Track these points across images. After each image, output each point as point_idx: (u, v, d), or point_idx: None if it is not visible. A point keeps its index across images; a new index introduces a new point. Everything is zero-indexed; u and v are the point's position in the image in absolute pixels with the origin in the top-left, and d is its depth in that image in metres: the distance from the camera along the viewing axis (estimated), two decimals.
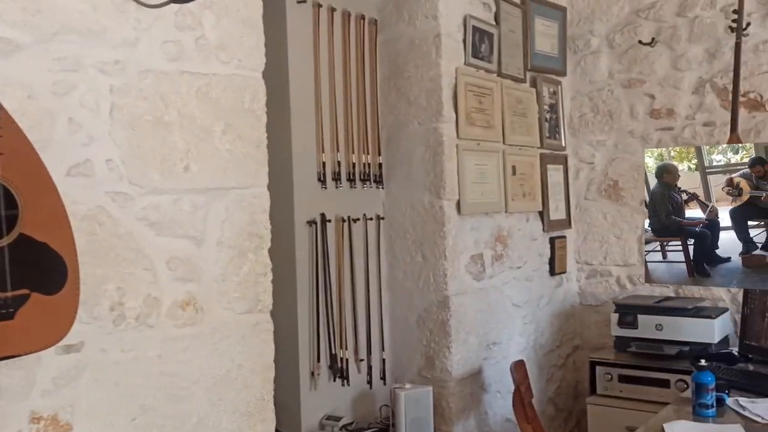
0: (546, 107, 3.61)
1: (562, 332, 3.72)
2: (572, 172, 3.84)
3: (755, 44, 3.31)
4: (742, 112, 3.35)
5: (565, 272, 3.74)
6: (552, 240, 3.64)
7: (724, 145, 3.07)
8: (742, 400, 2.46)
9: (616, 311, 3.34)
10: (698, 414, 2.34)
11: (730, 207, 2.88)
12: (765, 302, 2.81)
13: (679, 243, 2.99)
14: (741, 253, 2.78)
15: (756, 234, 2.81)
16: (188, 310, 1.88)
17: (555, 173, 3.68)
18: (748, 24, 3.22)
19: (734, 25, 3.22)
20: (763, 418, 2.27)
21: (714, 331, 3.09)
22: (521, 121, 3.39)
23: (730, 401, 2.45)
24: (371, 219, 2.98)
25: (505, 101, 3.27)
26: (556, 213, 3.67)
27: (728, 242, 2.86)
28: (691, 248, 2.94)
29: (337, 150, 2.82)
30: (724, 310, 3.26)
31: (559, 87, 3.73)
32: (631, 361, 3.24)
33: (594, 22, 3.76)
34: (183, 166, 1.88)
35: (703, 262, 2.89)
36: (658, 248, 3.10)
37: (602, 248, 3.79)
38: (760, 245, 2.76)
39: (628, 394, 3.21)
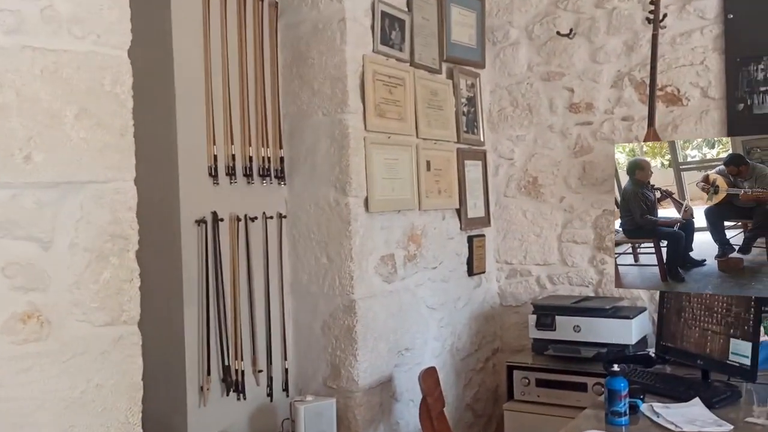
0: (463, 100, 3.46)
1: (481, 335, 3.58)
2: (491, 168, 3.70)
3: (672, 37, 3.24)
4: (660, 106, 3.28)
5: (484, 272, 3.60)
6: (470, 239, 3.49)
7: (699, 140, 2.94)
8: (657, 406, 2.35)
9: (533, 313, 3.22)
10: (610, 423, 2.22)
11: (706, 206, 2.72)
12: (681, 302, 2.71)
13: (652, 245, 2.83)
14: (717, 256, 2.64)
15: (733, 235, 2.65)
16: (31, 323, 1.61)
17: (473, 169, 3.53)
18: (665, 15, 3.14)
19: (651, 16, 3.14)
20: (676, 426, 2.16)
21: (631, 331, 3.00)
22: (437, 114, 3.23)
23: (644, 407, 2.34)
24: (271, 218, 2.75)
25: (418, 93, 3.09)
26: (475, 210, 3.52)
27: (703, 244, 2.71)
28: (664, 251, 2.79)
29: (231, 142, 2.58)
30: (642, 309, 3.18)
31: (478, 79, 3.58)
32: (548, 364, 3.11)
33: (513, 13, 3.63)
34: (23, 156, 1.60)
35: (677, 265, 2.73)
36: (630, 251, 2.94)
37: (522, 247, 3.66)
38: (737, 248, 2.61)
39: (546, 398, 3.08)
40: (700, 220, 2.73)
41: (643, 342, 3.11)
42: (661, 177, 2.86)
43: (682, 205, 2.78)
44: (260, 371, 2.69)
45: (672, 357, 2.77)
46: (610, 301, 3.22)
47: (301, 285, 2.83)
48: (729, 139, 2.89)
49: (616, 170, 2.99)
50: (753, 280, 2.54)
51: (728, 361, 2.47)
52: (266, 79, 2.75)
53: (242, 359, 2.58)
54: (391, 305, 2.90)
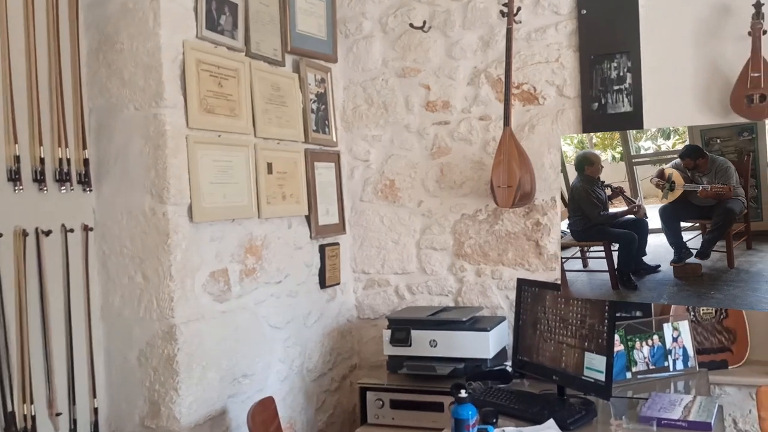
0: (312, 96, 3.15)
1: (336, 352, 3.29)
2: (346, 170, 3.43)
3: (528, 32, 3.09)
4: (517, 105, 3.12)
5: (338, 283, 3.31)
6: (322, 248, 3.19)
7: (654, 130, 2.63)
8: (509, 431, 2.14)
9: (388, 327, 2.96)
10: None
11: (660, 204, 2.45)
12: (536, 312, 2.54)
13: (602, 249, 2.54)
14: (673, 262, 2.35)
15: (690, 238, 2.38)
16: None
17: (325, 172, 3.24)
18: (519, 9, 2.98)
19: (505, 9, 2.97)
20: None
21: (488, 345, 2.80)
22: (280, 111, 2.90)
23: None
24: (72, 230, 2.32)
25: (256, 86, 2.76)
26: (327, 217, 3.23)
27: (658, 248, 2.43)
28: (615, 255, 2.50)
29: (15, 141, 2.14)
30: (502, 319, 3.00)
31: (329, 74, 3.29)
32: (403, 383, 2.87)
33: (366, 3, 3.37)
34: None
35: (630, 272, 2.44)
36: (579, 255, 2.65)
37: (380, 255, 3.41)
38: (694, 252, 2.34)
39: (401, 421, 2.84)
40: (654, 220, 2.47)
41: (502, 354, 2.93)
42: (612, 172, 2.59)
43: (634, 203, 2.52)
44: (59, 414, 2.25)
45: (528, 372, 2.59)
46: (469, 311, 3.02)
47: (112, 309, 2.42)
48: (686, 128, 2.56)
49: (563, 165, 2.70)
50: (713, 289, 2.28)
51: (583, 377, 2.31)
52: (65, 67, 2.32)
53: (32, 402, 2.14)
54: (224, 327, 2.55)
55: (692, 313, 2.81)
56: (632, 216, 2.48)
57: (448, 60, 3.24)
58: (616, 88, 2.95)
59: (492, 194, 2.99)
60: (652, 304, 2.78)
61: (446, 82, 3.25)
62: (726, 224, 2.29)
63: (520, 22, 3.07)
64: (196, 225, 2.43)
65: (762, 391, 2.26)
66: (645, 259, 2.43)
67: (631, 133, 2.61)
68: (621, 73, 2.94)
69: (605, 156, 2.65)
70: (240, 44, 2.69)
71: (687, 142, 2.45)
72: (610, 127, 2.92)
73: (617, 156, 2.63)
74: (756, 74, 2.73)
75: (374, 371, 3.16)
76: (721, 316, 2.84)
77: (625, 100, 2.93)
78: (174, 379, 2.32)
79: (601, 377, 2.23)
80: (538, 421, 2.20)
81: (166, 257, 2.32)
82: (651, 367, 2.68)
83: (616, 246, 2.48)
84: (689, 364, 2.71)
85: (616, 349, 2.62)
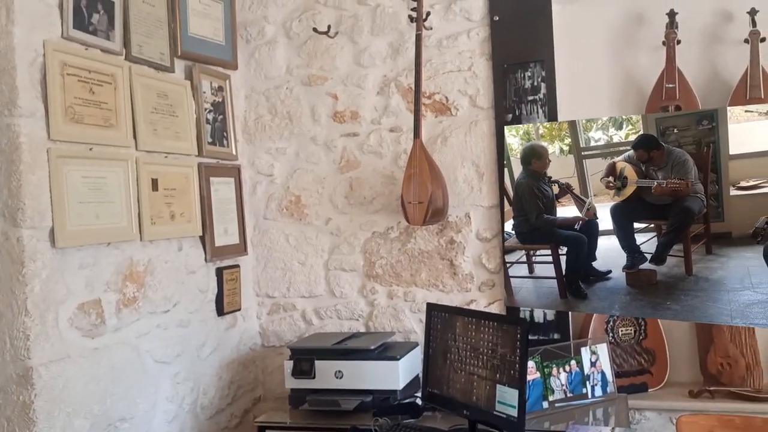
0: (208, 106, 2.88)
1: (237, 385, 3.01)
2: (248, 186, 3.17)
3: (439, 39, 2.91)
4: (429, 116, 2.94)
5: (239, 309, 3.04)
6: (219, 271, 2.92)
7: (605, 119, 2.38)
8: None
9: (290, 357, 2.71)
10: None
11: (612, 203, 2.23)
12: (446, 340, 2.34)
13: (549, 253, 2.35)
14: (625, 267, 2.16)
15: (644, 240, 2.16)
16: None
17: (223, 188, 2.97)
18: (428, 14, 2.80)
19: (414, 14, 2.79)
20: None
21: (398, 374, 2.59)
22: (168, 122, 2.62)
23: None
24: None
25: (138, 94, 2.47)
26: (226, 237, 2.96)
27: (609, 251, 2.22)
28: (563, 259, 2.29)
29: None
30: (414, 345, 2.79)
31: (228, 82, 3.03)
32: (305, 420, 2.62)
33: (268, 6, 3.13)
34: None
35: (579, 278, 2.25)
36: (524, 259, 2.47)
37: (285, 277, 3.16)
38: (649, 256, 2.14)
39: None
40: (605, 220, 2.26)
41: (415, 383, 2.72)
42: (559, 166, 2.37)
43: (584, 202, 2.30)
44: None
45: (438, 406, 2.39)
46: (379, 337, 2.80)
47: None
48: (640, 117, 2.37)
49: (509, 158, 2.48)
50: (668, 299, 2.09)
51: (495, 412, 2.12)
52: None
53: None
54: (96, 366, 2.24)
55: (611, 335, 2.68)
56: (580, 218, 2.30)
57: (356, 68, 3.03)
58: (530, 98, 2.81)
59: (402, 210, 2.79)
60: (570, 324, 2.64)
61: (355, 91, 3.04)
62: (683, 225, 2.10)
63: (431, 29, 2.89)
64: (61, 251, 2.12)
65: (682, 421, 2.12)
66: (595, 264, 2.25)
67: (581, 123, 2.39)
68: (535, 83, 2.80)
69: (552, 148, 2.46)
70: (117, 46, 2.40)
71: (641, 132, 2.27)
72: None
73: (565, 149, 2.43)
74: (671, 85, 2.63)
75: (281, 404, 2.89)
76: (641, 337, 2.71)
77: (540, 111, 2.79)
78: (31, 430, 2.01)
79: (514, 413, 2.05)
80: None
81: (20, 289, 2.01)
82: (569, 394, 2.52)
83: (564, 250, 2.30)
84: (608, 389, 2.57)
85: (531, 376, 2.46)
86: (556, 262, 2.29)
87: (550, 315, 2.67)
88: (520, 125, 2.75)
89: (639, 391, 2.67)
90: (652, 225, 2.18)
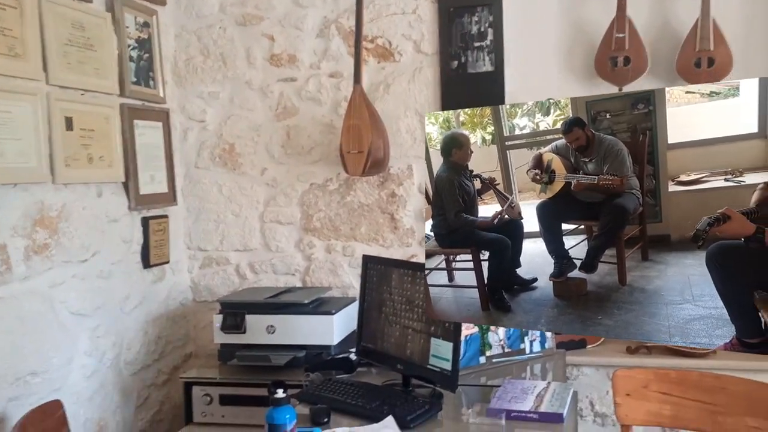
0: (131, 42, 2.67)
1: (165, 340, 2.86)
2: (178, 132, 2.98)
3: None
4: (371, 61, 2.79)
5: (167, 262, 2.88)
6: (146, 221, 2.74)
7: (530, 103, 2.08)
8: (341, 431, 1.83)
9: (220, 311, 2.58)
10: None
11: (539, 200, 1.93)
12: (382, 293, 2.24)
13: (471, 258, 2.03)
14: (552, 276, 1.87)
15: (574, 244, 1.87)
16: None
17: (150, 132, 2.78)
18: None
19: None
20: None
21: (333, 329, 2.49)
22: (84, 57, 2.41)
23: None
24: None
25: (49, 23, 2.25)
26: (152, 185, 2.78)
27: (535, 257, 1.93)
28: (486, 266, 2.00)
29: None
30: (351, 301, 2.68)
31: (155, 18, 2.82)
32: (234, 376, 2.50)
33: None
34: None
35: (502, 288, 1.97)
36: (444, 265, 2.16)
37: (218, 229, 3.00)
38: (579, 262, 1.85)
39: (232, 418, 2.48)
40: (530, 221, 1.95)
41: (351, 339, 2.61)
42: (482, 158, 2.07)
43: (508, 200, 2.02)
44: None
45: (372, 361, 2.30)
46: (314, 292, 2.69)
47: None
48: (569, 101, 2.05)
49: (427, 150, 2.19)
50: (600, 312, 1.81)
51: (429, 366, 2.03)
52: None
53: None
54: (1, 318, 2.07)
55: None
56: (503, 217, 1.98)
57: (294, 7, 2.85)
58: (476, 44, 2.68)
59: (341, 161, 2.66)
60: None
61: (293, 32, 2.86)
62: (616, 226, 1.81)
63: None
64: None
65: (617, 375, 2.07)
66: (520, 271, 1.95)
67: (504, 109, 2.13)
68: (482, 29, 2.68)
69: (474, 138, 2.17)
70: None
71: (569, 116, 1.94)
72: (470, 89, 2.65)
73: (488, 138, 2.15)
74: (620, 35, 2.54)
75: (212, 360, 2.76)
76: None
77: (486, 58, 2.67)
78: None
79: (448, 366, 1.96)
80: (377, 418, 1.90)
81: None
82: (507, 350, 2.46)
83: (486, 255, 2.00)
84: (547, 345, 2.52)
85: (469, 331, 2.38)
86: (478, 269, 2.00)
87: None
88: (440, 112, 2.60)
89: (578, 348, 2.63)
90: (583, 226, 1.92)
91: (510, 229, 1.95)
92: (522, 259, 1.93)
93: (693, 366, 2.33)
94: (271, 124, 2.91)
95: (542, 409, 1.93)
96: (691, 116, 1.88)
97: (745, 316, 1.68)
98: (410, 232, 2.80)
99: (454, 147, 2.11)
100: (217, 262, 3.01)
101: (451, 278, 2.13)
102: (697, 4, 2.42)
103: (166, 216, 2.85)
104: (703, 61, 2.41)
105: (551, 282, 1.89)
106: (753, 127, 1.73)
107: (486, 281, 1.99)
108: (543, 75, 2.65)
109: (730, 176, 1.72)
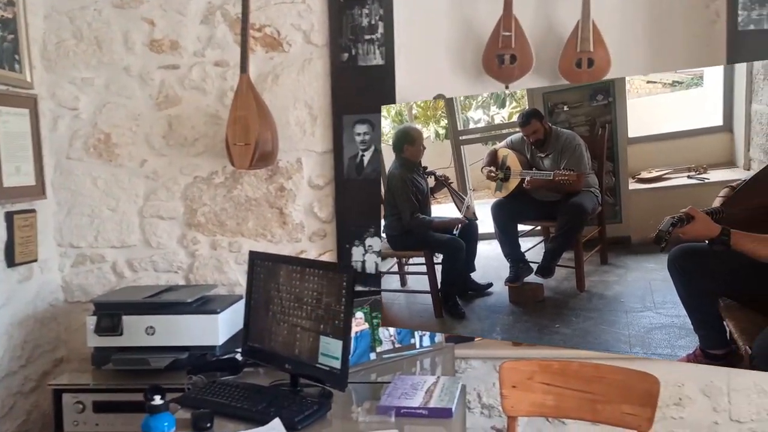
0: None
1: (33, 344, 2.65)
2: (48, 119, 2.76)
3: None
4: (259, 51, 2.70)
5: (35, 260, 2.66)
6: (9, 215, 2.52)
7: (485, 95, 1.95)
8: None
9: (94, 313, 2.41)
10: None
11: (494, 199, 1.81)
12: (269, 291, 2.17)
13: (424, 261, 1.89)
14: (508, 280, 1.76)
15: (530, 247, 1.77)
16: None
17: (15, 120, 2.55)
18: None
19: None
20: None
21: (218, 329, 2.38)
22: None
23: None
24: None
25: None
26: (18, 177, 2.55)
27: (490, 260, 1.81)
28: (439, 269, 1.85)
29: None
30: (237, 298, 2.58)
31: None
32: (109, 382, 2.34)
33: None
34: None
35: (456, 293, 1.85)
36: (397, 269, 2.02)
37: (93, 225, 2.81)
38: (535, 266, 1.75)
39: (107, 426, 2.33)
40: (486, 222, 1.82)
41: (238, 339, 2.51)
42: (435, 154, 1.94)
43: (463, 199, 1.91)
44: None
45: (259, 361, 2.22)
46: (198, 290, 2.57)
47: None
48: (525, 92, 1.96)
49: (379, 144, 2.05)
50: (558, 320, 1.72)
51: (318, 365, 1.98)
52: None
53: None
54: None
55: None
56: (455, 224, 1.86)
57: None
58: (367, 37, 2.65)
59: (227, 153, 2.55)
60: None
61: (175, 17, 2.72)
62: (574, 227, 1.71)
63: None
64: None
65: (504, 367, 2.11)
66: (474, 276, 1.85)
67: (458, 100, 2.04)
68: (373, 22, 2.64)
69: (427, 132, 2.08)
70: None
71: (526, 108, 1.85)
72: (360, 80, 2.62)
73: (441, 132, 2.06)
74: (507, 33, 2.58)
75: (85, 365, 2.57)
76: None
77: (377, 51, 2.64)
78: None
79: (337, 364, 1.92)
80: (263, 420, 1.83)
81: None
82: (397, 345, 2.45)
83: (440, 258, 1.90)
84: (436, 339, 2.53)
85: (359, 328, 2.36)
86: (431, 273, 1.89)
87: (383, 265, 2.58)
88: (393, 104, 2.50)
89: (466, 341, 2.66)
90: (539, 227, 1.80)
91: (464, 230, 1.86)
92: (476, 262, 1.84)
93: (574, 356, 2.41)
94: (152, 113, 2.75)
95: (431, 404, 1.93)
96: (653, 108, 1.77)
97: (709, 325, 1.60)
98: (300, 227, 2.73)
99: (406, 143, 2.01)
100: (91, 259, 2.82)
101: (403, 282, 2.07)
102: (579, 6, 2.50)
103: (33, 210, 2.63)
104: (584, 61, 2.49)
105: (507, 287, 1.80)
106: (718, 119, 1.64)
107: (439, 286, 1.88)
108: (434, 70, 2.66)
109: (693, 173, 1.64)
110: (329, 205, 2.70)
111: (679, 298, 1.58)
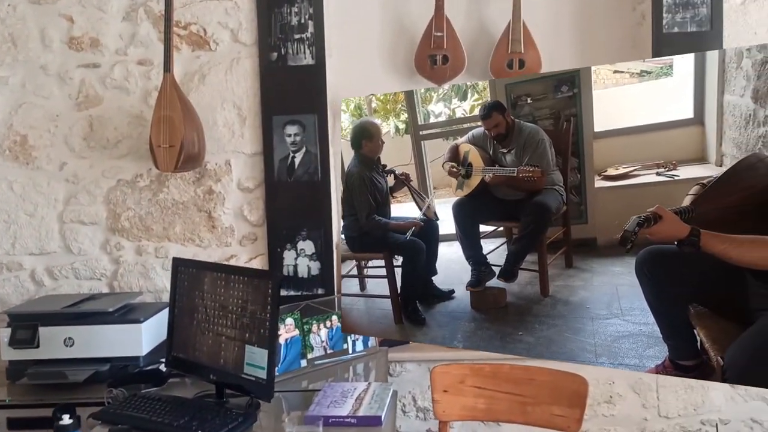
0: None
1: None
2: None
3: None
4: (185, 49, 2.61)
5: None
6: None
7: (446, 87, 1.79)
8: None
9: (8, 325, 2.28)
10: None
11: (456, 198, 1.70)
12: (194, 299, 2.09)
13: (383, 264, 1.77)
14: (469, 285, 1.67)
15: (494, 248, 1.67)
16: None
17: None
18: None
19: None
20: None
21: (141, 339, 2.29)
22: None
23: None
24: None
25: None
26: None
27: (451, 263, 1.69)
28: (399, 273, 1.71)
29: None
30: (164, 306, 2.48)
31: None
32: (25, 397, 2.22)
33: None
34: None
35: (416, 298, 1.75)
36: (356, 272, 1.91)
37: (9, 231, 2.68)
38: (498, 270, 1.65)
39: None
40: (447, 222, 1.69)
41: (163, 349, 2.42)
42: (395, 150, 1.84)
43: (424, 199, 1.83)
44: None
45: (184, 372, 2.14)
46: (122, 298, 2.46)
47: None
48: (487, 84, 1.83)
49: (338, 140, 1.90)
50: (521, 327, 1.64)
51: (243, 375, 1.92)
52: None
53: None
54: None
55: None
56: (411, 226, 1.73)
57: None
58: (297, 36, 2.59)
59: (152, 155, 2.45)
60: (335, 279, 2.49)
61: (95, 14, 2.60)
62: (538, 228, 1.62)
63: None
64: None
65: (435, 372, 2.09)
66: (436, 280, 1.76)
67: (419, 93, 1.91)
68: (302, 20, 2.59)
69: (387, 127, 1.98)
70: None
71: (489, 100, 1.73)
72: (290, 82, 2.56)
73: (402, 127, 1.98)
74: (439, 34, 2.56)
75: (0, 379, 2.44)
76: None
77: (307, 51, 2.59)
78: None
79: (263, 374, 1.86)
80: None
81: None
82: (329, 351, 2.40)
83: (400, 260, 1.80)
84: (369, 344, 2.48)
85: (290, 334, 2.31)
86: (390, 277, 1.79)
87: (315, 269, 2.52)
88: (351, 98, 2.39)
89: (400, 344, 2.63)
90: (502, 228, 1.69)
91: (424, 231, 1.76)
92: (438, 265, 1.74)
93: (504, 358, 2.41)
94: (71, 113, 2.63)
95: (361, 412, 1.89)
96: (620, 99, 1.68)
97: (678, 335, 1.51)
98: (229, 231, 2.66)
99: (364, 138, 1.91)
100: (7, 267, 2.68)
101: (363, 286, 1.95)
102: (510, 7, 2.50)
103: None
104: (515, 62, 2.49)
105: (468, 292, 1.70)
106: (688, 111, 1.53)
107: (399, 290, 1.78)
108: (366, 70, 2.63)
109: (662, 169, 1.54)
110: (260, 208, 2.63)
111: (647, 304, 1.48)
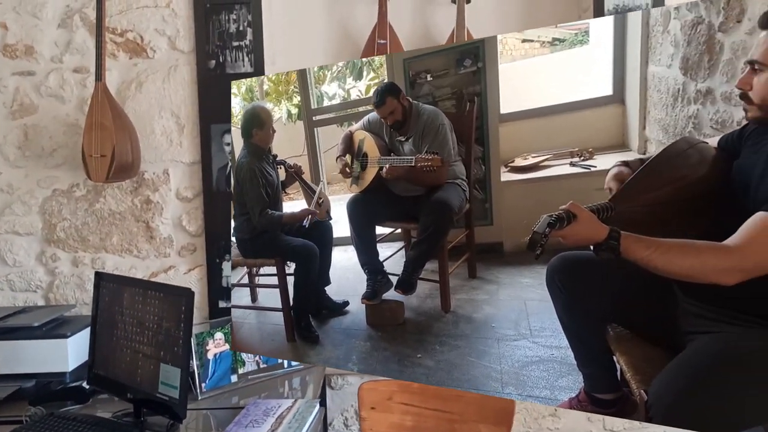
0: None
1: None
2: None
3: None
4: (122, 57, 2.55)
5: None
6: None
7: (340, 65, 1.61)
8: None
9: None
10: None
11: (351, 194, 1.50)
12: (113, 314, 2.03)
13: (275, 272, 1.57)
14: (365, 296, 1.47)
15: (391, 254, 1.47)
16: None
17: None
18: None
19: None
20: None
21: (67, 355, 2.23)
22: None
23: None
24: None
25: None
26: None
27: (347, 270, 1.48)
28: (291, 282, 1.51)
29: None
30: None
31: None
32: None
33: None
34: None
35: (308, 312, 1.57)
36: (247, 280, 1.72)
37: None
38: (396, 279, 1.43)
39: None
40: (341, 223, 1.49)
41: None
42: (287, 139, 1.64)
43: (314, 192, 1.63)
44: None
45: (103, 389, 2.09)
46: (52, 311, 2.40)
47: None
48: (384, 60, 1.60)
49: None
50: (420, 348, 1.40)
51: (158, 394, 1.86)
52: None
53: None
54: None
55: None
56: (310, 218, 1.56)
57: None
58: (236, 44, 2.54)
59: (84, 165, 2.40)
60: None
61: (30, 21, 2.55)
62: (438, 230, 1.40)
63: None
64: None
65: (363, 389, 2.03)
66: (329, 290, 1.59)
67: (312, 72, 1.71)
68: (241, 28, 2.54)
69: (279, 112, 1.79)
70: None
71: (383, 82, 1.50)
72: (229, 91, 2.51)
73: (294, 111, 1.78)
74: (382, 41, 2.51)
75: None
76: None
77: (246, 59, 2.54)
78: None
79: (176, 393, 1.81)
80: None
81: None
82: (262, 365, 2.35)
83: (292, 267, 1.61)
84: None
85: (219, 349, 2.24)
86: (282, 286, 1.60)
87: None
88: (243, 79, 2.40)
89: None
90: (400, 230, 1.49)
91: (317, 233, 1.57)
92: (331, 273, 1.55)
93: None
94: (5, 122, 2.58)
95: None
96: (529, 74, 1.42)
97: (594, 361, 1.29)
98: (168, 242, 2.60)
99: (255, 126, 1.74)
100: None
101: (254, 297, 1.77)
102: (454, 14, 2.45)
103: None
104: None
105: (363, 305, 1.51)
106: (607, 88, 1.29)
107: (291, 302, 1.60)
108: None
109: (577, 159, 1.31)
110: (199, 218, 2.58)
111: (560, 323, 1.25)
